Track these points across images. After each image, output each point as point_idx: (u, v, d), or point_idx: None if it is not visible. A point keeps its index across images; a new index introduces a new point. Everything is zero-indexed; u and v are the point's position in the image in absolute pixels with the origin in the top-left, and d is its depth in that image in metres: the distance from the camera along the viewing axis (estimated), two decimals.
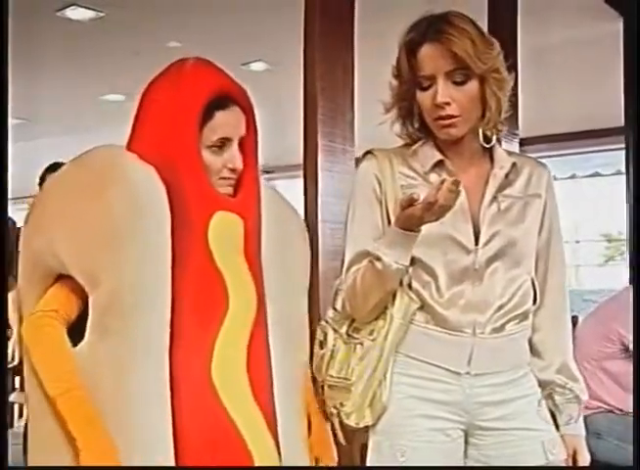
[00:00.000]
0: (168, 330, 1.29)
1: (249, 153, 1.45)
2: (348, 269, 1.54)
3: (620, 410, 2.71)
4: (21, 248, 1.40)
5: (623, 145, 5.56)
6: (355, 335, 1.54)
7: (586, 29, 5.08)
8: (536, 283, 1.58)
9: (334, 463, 1.58)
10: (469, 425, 1.51)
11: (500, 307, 1.52)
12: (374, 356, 1.51)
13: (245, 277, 1.41)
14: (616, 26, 5.07)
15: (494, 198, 1.55)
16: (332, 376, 1.54)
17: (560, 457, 1.53)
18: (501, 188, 1.56)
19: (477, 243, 1.51)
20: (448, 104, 1.47)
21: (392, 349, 1.51)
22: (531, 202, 1.58)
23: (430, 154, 1.55)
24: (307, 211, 2.14)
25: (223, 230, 1.38)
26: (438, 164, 1.55)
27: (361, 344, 1.53)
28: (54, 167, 2.95)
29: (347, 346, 1.54)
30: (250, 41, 5.72)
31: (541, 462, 1.51)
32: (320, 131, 2.23)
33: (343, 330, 1.56)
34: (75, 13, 4.86)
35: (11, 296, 2.15)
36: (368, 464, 1.53)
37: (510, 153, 1.62)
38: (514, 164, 1.57)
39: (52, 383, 1.27)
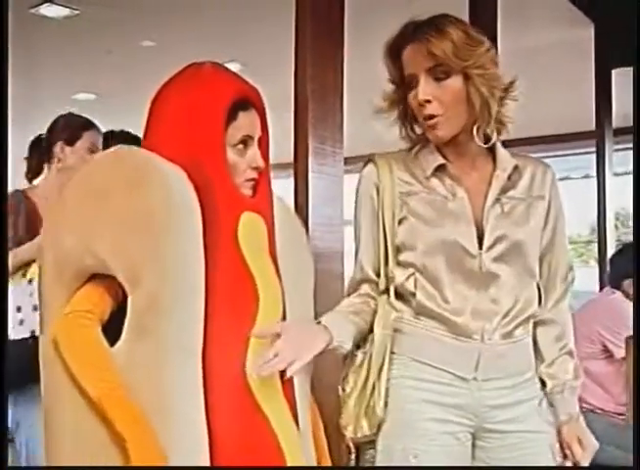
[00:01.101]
0: (202, 329, 1.29)
1: (263, 154, 1.47)
2: (349, 293, 1.59)
3: (601, 410, 2.77)
4: (45, 247, 1.38)
5: (594, 149, 5.66)
6: (358, 345, 1.55)
7: (558, 35, 5.16)
8: (541, 285, 1.58)
9: (328, 462, 1.59)
10: (477, 428, 1.51)
11: (507, 314, 1.51)
12: (364, 368, 1.52)
13: (272, 277, 1.42)
14: (587, 32, 5.16)
15: (497, 200, 1.53)
16: (340, 386, 1.55)
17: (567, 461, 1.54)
18: (504, 190, 1.54)
19: (480, 247, 1.50)
20: (429, 102, 1.46)
21: (380, 359, 1.51)
22: (535, 203, 1.56)
23: (431, 157, 1.55)
24: (298, 213, 2.15)
25: (251, 230, 1.39)
26: (440, 169, 1.54)
27: (356, 355, 1.54)
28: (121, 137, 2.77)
29: (352, 356, 1.55)
30: (223, 41, 5.71)
31: (550, 464, 1.52)
32: (311, 134, 2.24)
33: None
34: (50, 10, 4.81)
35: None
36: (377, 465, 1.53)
37: (513, 154, 1.60)
38: (516, 167, 1.56)
39: (95, 383, 1.25)
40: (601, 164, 5.47)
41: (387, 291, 1.55)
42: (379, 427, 1.50)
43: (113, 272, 1.30)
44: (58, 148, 2.50)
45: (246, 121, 1.41)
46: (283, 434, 1.35)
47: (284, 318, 1.44)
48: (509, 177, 1.55)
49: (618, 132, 5.65)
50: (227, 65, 5.34)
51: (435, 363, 1.50)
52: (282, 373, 1.37)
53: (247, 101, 1.42)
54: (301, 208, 2.16)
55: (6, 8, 1.54)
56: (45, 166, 2.54)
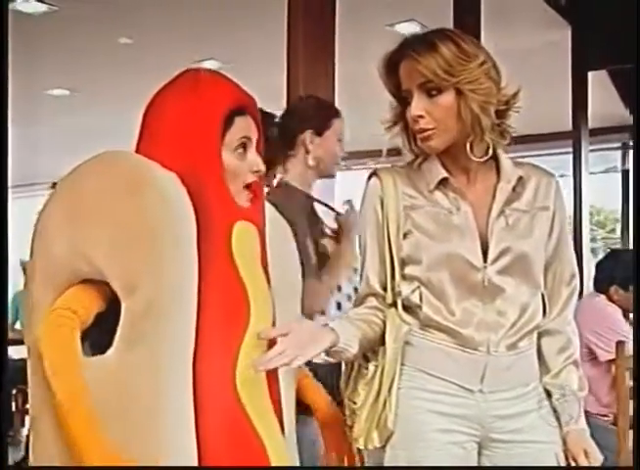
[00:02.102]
0: (194, 337, 1.29)
1: None
2: (355, 306, 1.58)
3: (587, 411, 2.80)
4: (35, 252, 1.36)
5: (570, 149, 5.74)
6: (368, 358, 1.56)
7: (536, 37, 5.21)
8: (545, 295, 1.59)
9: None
10: (483, 438, 1.52)
11: (513, 325, 1.52)
12: (376, 382, 1.52)
13: (263, 286, 1.42)
14: (565, 35, 5.22)
15: (501, 212, 1.53)
16: (346, 395, 1.56)
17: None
18: (508, 202, 1.54)
19: (485, 260, 1.50)
20: (422, 117, 1.47)
21: (392, 373, 1.52)
22: (539, 214, 1.56)
23: (434, 170, 1.55)
24: None
25: (244, 240, 1.39)
26: (443, 182, 1.54)
27: (367, 369, 1.55)
28: None
29: (360, 368, 1.56)
30: (202, 39, 5.69)
31: None
32: None
33: (360, 357, 1.56)
34: (28, 6, 4.76)
35: None
36: None
37: (517, 163, 1.59)
38: (520, 178, 1.55)
39: (61, 385, 1.23)
40: (577, 163, 5.55)
41: (394, 304, 1.56)
42: (388, 437, 1.51)
43: (107, 279, 1.29)
44: (306, 138, 2.11)
45: (242, 124, 1.41)
46: (269, 440, 1.36)
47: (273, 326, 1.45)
48: (513, 189, 1.55)
49: (594, 133, 5.74)
50: (206, 63, 5.31)
51: (442, 375, 1.51)
52: (270, 382, 1.39)
53: (243, 109, 1.42)
54: None
55: (6, 8, 1.52)
56: (290, 159, 2.14)
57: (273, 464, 1.34)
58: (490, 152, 1.52)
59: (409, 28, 5.00)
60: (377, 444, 1.51)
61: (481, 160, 1.52)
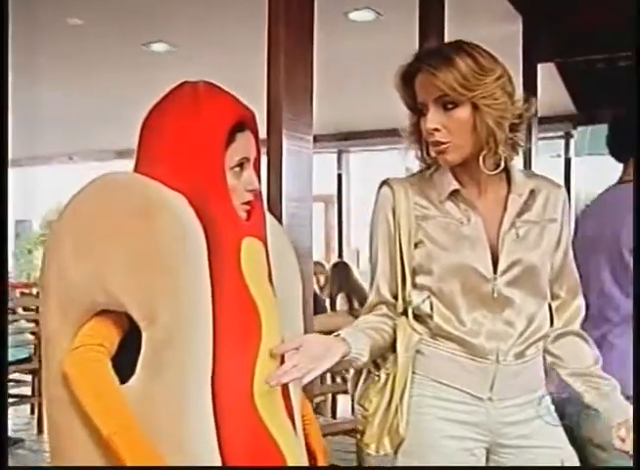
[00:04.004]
0: (212, 357, 1.30)
1: (256, 175, 1.47)
2: (365, 313, 1.62)
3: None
4: (49, 277, 1.33)
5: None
6: (380, 366, 1.60)
7: (494, 28, 5.28)
8: (553, 306, 1.63)
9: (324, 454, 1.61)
10: (492, 443, 1.57)
11: (521, 335, 1.56)
12: (388, 390, 1.56)
13: (271, 300, 1.42)
14: (516, 26, 5.31)
15: (513, 224, 1.55)
16: (357, 402, 1.60)
17: None
18: (519, 214, 1.57)
19: (495, 271, 1.53)
20: (437, 130, 1.49)
21: (403, 381, 1.55)
22: (548, 226, 1.59)
23: (446, 181, 1.57)
24: (270, 189, 2.17)
25: (252, 256, 1.39)
26: (454, 193, 1.56)
27: (379, 376, 1.58)
28: None
29: (370, 375, 1.60)
30: (151, 21, 5.57)
31: None
32: (285, 134, 2.26)
33: (371, 363, 1.61)
34: None
35: None
36: None
37: (527, 174, 1.62)
38: (532, 191, 1.58)
39: (107, 420, 1.23)
40: (527, 150, 5.68)
41: (405, 313, 1.58)
42: (399, 444, 1.55)
43: (126, 309, 1.27)
44: None
45: (243, 143, 1.41)
46: (287, 448, 1.38)
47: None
48: (525, 201, 1.58)
49: (542, 121, 5.87)
50: (154, 45, 5.25)
51: (452, 383, 1.55)
52: (284, 395, 1.43)
53: (243, 124, 1.42)
54: (274, 184, 2.20)
55: (6, 8, 1.48)
56: None
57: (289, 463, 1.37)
58: (502, 164, 1.54)
59: (364, 16, 5.02)
60: (388, 450, 1.56)
61: (493, 173, 1.53)
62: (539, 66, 5.48)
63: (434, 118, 1.49)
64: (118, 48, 5.91)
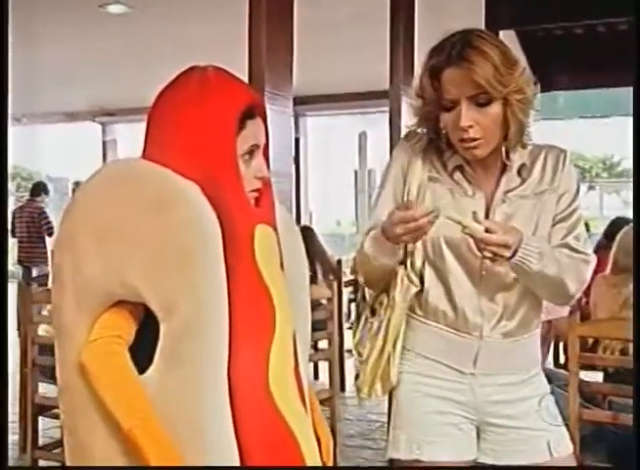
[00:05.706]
0: (227, 348, 1.30)
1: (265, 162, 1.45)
2: (366, 234, 1.59)
3: None
4: (63, 271, 1.31)
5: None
6: (375, 314, 1.63)
7: None
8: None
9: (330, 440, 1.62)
10: (479, 421, 1.61)
11: (507, 312, 1.58)
12: (381, 338, 1.60)
13: (283, 287, 1.42)
14: None
15: (504, 200, 1.57)
16: (354, 348, 1.65)
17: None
18: (512, 189, 1.58)
19: None
20: (471, 127, 1.48)
21: (396, 331, 1.60)
22: (543, 198, 1.59)
23: (451, 157, 1.59)
24: None
25: (265, 244, 1.38)
26: (458, 168, 1.59)
27: (372, 323, 1.62)
28: None
29: (367, 323, 1.64)
30: None
31: (546, 460, 1.60)
32: (268, 108, 2.27)
33: (368, 309, 1.65)
34: None
35: None
36: (387, 456, 1.65)
37: (524, 146, 1.58)
38: (523, 164, 1.58)
39: (127, 412, 1.23)
40: None
41: (403, 263, 1.58)
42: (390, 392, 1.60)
43: (145, 300, 1.27)
44: None
45: (253, 130, 1.40)
46: (304, 440, 1.38)
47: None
48: (519, 174, 1.59)
49: None
50: (111, 6, 5.12)
51: (437, 357, 1.59)
52: (298, 382, 1.42)
53: (253, 110, 1.40)
54: None
55: (6, 7, 1.45)
56: None
57: (308, 463, 1.37)
58: (513, 152, 1.59)
59: None
60: (380, 394, 1.62)
61: (509, 163, 1.58)
62: (501, 33, 5.54)
63: (467, 116, 1.46)
64: (74, 9, 5.74)
